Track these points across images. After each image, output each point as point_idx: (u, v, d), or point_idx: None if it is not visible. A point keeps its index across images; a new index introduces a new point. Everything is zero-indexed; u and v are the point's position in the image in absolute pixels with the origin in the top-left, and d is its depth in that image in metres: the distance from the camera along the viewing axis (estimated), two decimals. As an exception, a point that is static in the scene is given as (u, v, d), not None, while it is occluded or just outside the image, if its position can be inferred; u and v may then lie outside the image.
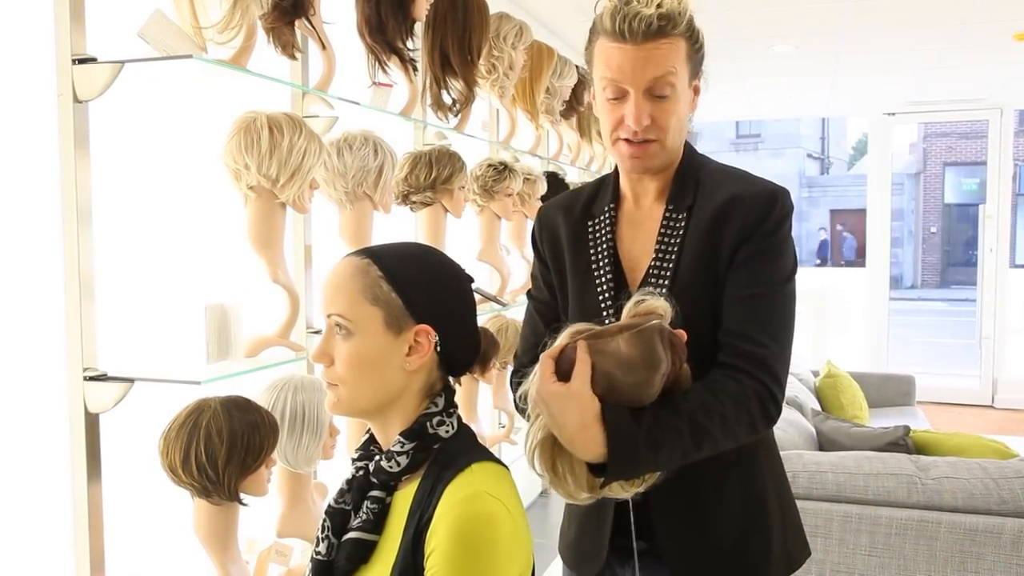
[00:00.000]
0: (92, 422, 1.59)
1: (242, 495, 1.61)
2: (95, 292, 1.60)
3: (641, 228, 1.41)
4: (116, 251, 1.69)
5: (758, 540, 1.38)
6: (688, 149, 1.41)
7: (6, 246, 1.56)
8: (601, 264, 1.40)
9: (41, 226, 1.59)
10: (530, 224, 3.38)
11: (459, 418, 1.19)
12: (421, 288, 1.14)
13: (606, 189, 1.46)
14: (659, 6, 1.26)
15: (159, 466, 1.59)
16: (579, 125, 4.21)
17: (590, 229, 1.44)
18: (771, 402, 1.27)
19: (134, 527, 1.76)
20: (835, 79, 5.98)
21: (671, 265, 1.34)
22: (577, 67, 3.82)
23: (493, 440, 3.12)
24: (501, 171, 2.95)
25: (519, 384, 1.43)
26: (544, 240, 1.50)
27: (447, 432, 1.16)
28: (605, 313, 1.38)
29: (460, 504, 1.06)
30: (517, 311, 3.41)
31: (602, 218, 1.43)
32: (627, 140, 1.32)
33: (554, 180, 3.57)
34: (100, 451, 1.60)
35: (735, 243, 1.32)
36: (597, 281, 1.40)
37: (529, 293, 1.56)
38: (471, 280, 1.22)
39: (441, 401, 1.17)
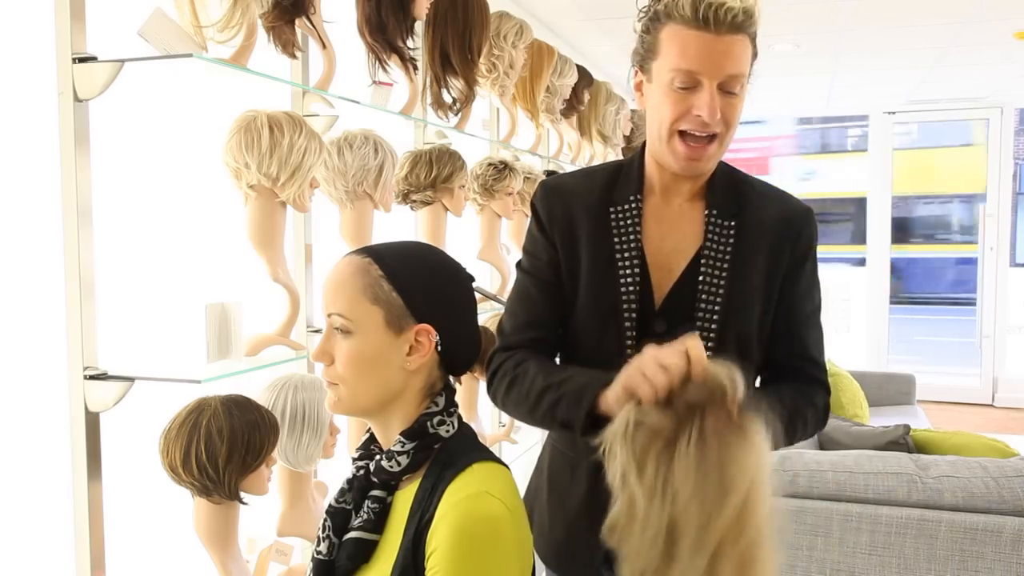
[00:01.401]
0: (92, 421, 1.59)
1: (242, 494, 1.61)
2: (95, 291, 1.60)
3: (673, 227, 1.36)
4: (116, 250, 1.69)
5: None
6: None
7: (6, 245, 1.56)
8: (627, 256, 1.34)
9: (41, 225, 1.59)
10: (530, 223, 3.38)
11: (460, 417, 1.19)
12: (422, 288, 1.14)
13: (628, 176, 1.39)
14: (746, 3, 1.24)
15: (159, 465, 1.59)
16: (579, 124, 4.20)
17: (613, 216, 1.36)
18: (827, 406, 1.41)
19: (134, 527, 1.76)
20: (835, 78, 5.97)
21: (724, 274, 1.32)
22: (578, 66, 3.81)
23: (494, 439, 3.12)
24: (501, 170, 2.95)
25: (504, 364, 1.40)
26: (554, 219, 1.40)
27: (448, 431, 1.16)
28: (626, 307, 1.33)
29: (461, 504, 1.06)
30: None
31: (627, 207, 1.36)
32: (685, 137, 1.27)
33: (554, 179, 3.56)
34: (100, 450, 1.60)
35: (795, 262, 1.35)
36: (622, 274, 1.33)
37: (522, 267, 1.45)
38: (472, 279, 1.22)
39: (442, 400, 1.17)
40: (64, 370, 1.58)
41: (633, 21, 1.34)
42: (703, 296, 1.31)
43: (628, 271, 1.33)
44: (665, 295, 1.34)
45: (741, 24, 1.23)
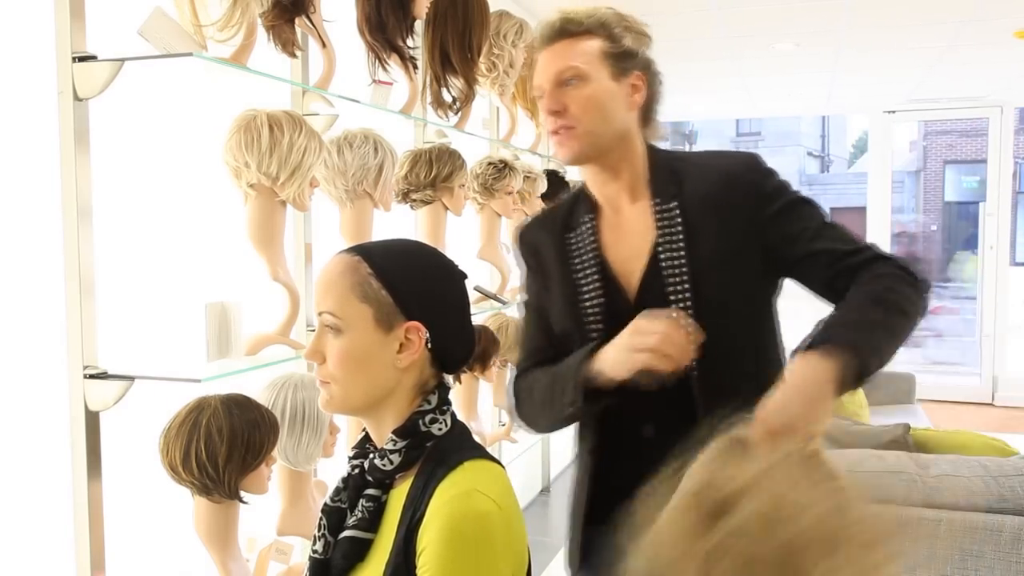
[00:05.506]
0: (92, 420, 1.59)
1: (242, 493, 1.61)
2: (95, 290, 1.60)
3: (625, 232, 1.44)
4: (116, 249, 1.69)
5: None
6: (651, 148, 1.46)
7: (6, 244, 1.56)
8: (588, 274, 1.43)
9: (41, 224, 1.59)
10: (531, 222, 3.39)
11: (453, 415, 1.19)
12: (411, 285, 1.14)
13: (580, 201, 1.50)
14: (565, 13, 1.40)
15: (159, 464, 1.59)
16: (579, 123, 4.20)
17: (571, 242, 1.47)
18: (895, 260, 1.34)
19: (134, 526, 1.76)
20: (835, 77, 5.97)
21: (682, 252, 1.37)
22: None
23: (493, 438, 3.12)
24: (501, 169, 2.95)
25: (519, 385, 1.50)
26: (527, 256, 1.55)
27: (440, 430, 1.15)
28: (595, 322, 1.41)
29: (451, 502, 1.06)
30: (517, 309, 3.40)
31: (581, 229, 1.47)
32: (553, 132, 1.41)
33: (554, 178, 3.57)
34: (100, 449, 1.60)
35: (766, 211, 1.37)
36: (584, 291, 1.43)
37: (523, 302, 1.59)
38: (464, 277, 1.22)
39: (434, 399, 1.17)
40: (64, 369, 1.58)
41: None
42: (670, 280, 1.36)
43: (590, 289, 1.43)
44: (636, 295, 1.40)
45: (563, 30, 1.40)
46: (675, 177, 1.42)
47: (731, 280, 1.36)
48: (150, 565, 1.81)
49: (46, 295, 1.59)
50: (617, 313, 1.39)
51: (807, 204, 1.40)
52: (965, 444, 2.97)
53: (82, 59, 1.55)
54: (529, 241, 1.55)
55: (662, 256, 1.38)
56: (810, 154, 24.21)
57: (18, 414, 1.58)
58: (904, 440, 2.99)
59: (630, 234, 1.43)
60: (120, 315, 1.70)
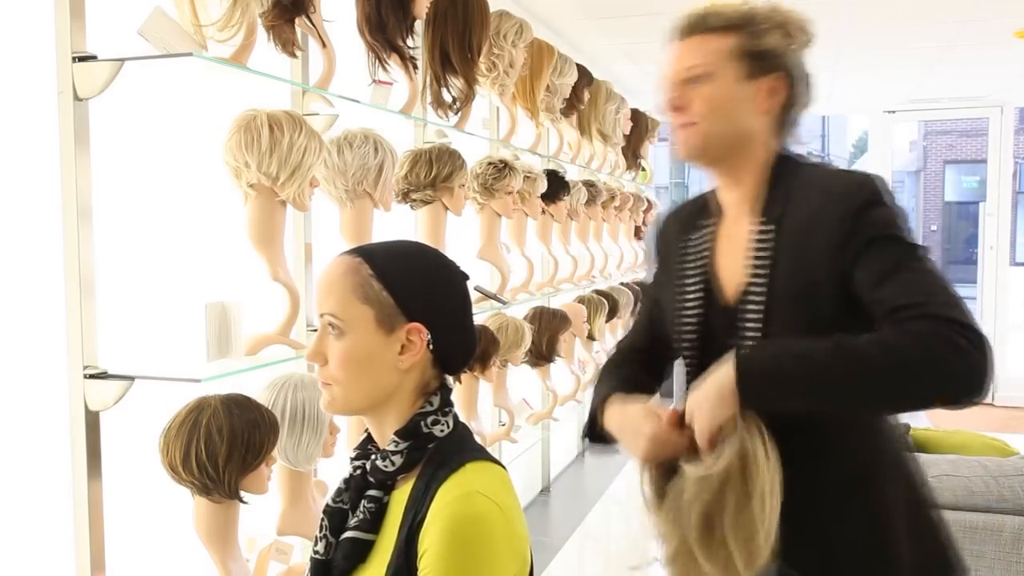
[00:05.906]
0: (92, 420, 1.59)
1: (242, 493, 1.61)
2: (95, 290, 1.60)
3: (733, 243, 1.40)
4: (116, 249, 1.69)
5: (882, 561, 1.30)
6: (779, 158, 1.38)
7: (6, 244, 1.56)
8: (694, 281, 1.42)
9: (41, 224, 1.59)
10: (530, 222, 3.39)
11: (455, 417, 1.19)
12: (413, 286, 1.14)
13: (706, 204, 1.48)
14: (708, 7, 1.37)
15: (159, 464, 1.59)
16: (579, 123, 4.20)
17: (689, 244, 1.47)
18: (950, 325, 1.13)
19: (134, 526, 1.76)
20: (835, 77, 5.97)
21: (765, 280, 1.30)
22: (577, 65, 3.81)
23: (494, 438, 3.12)
24: (501, 169, 2.95)
25: (606, 364, 1.58)
26: (659, 246, 1.58)
27: (442, 431, 1.15)
28: (688, 332, 1.42)
29: (452, 504, 1.06)
30: (517, 309, 3.40)
31: (699, 233, 1.46)
32: (673, 128, 1.40)
33: (554, 178, 3.57)
34: (100, 449, 1.60)
35: (847, 248, 1.24)
36: (686, 297, 1.43)
37: (644, 287, 1.66)
38: (466, 277, 1.21)
39: (436, 400, 1.16)
40: (64, 369, 1.58)
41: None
42: (742, 307, 1.32)
43: (691, 295, 1.43)
44: (729, 312, 1.36)
45: (694, 26, 1.37)
46: (785, 196, 1.34)
47: (807, 319, 1.27)
48: (150, 565, 1.81)
49: (46, 295, 1.59)
50: (710, 328, 1.39)
51: (894, 243, 1.23)
52: (965, 444, 2.97)
53: (82, 59, 1.55)
54: (660, 233, 1.58)
55: (748, 282, 1.33)
56: (810, 154, 24.17)
57: (18, 414, 1.58)
58: (904, 440, 2.98)
59: (739, 248, 1.37)
60: (120, 315, 1.70)
